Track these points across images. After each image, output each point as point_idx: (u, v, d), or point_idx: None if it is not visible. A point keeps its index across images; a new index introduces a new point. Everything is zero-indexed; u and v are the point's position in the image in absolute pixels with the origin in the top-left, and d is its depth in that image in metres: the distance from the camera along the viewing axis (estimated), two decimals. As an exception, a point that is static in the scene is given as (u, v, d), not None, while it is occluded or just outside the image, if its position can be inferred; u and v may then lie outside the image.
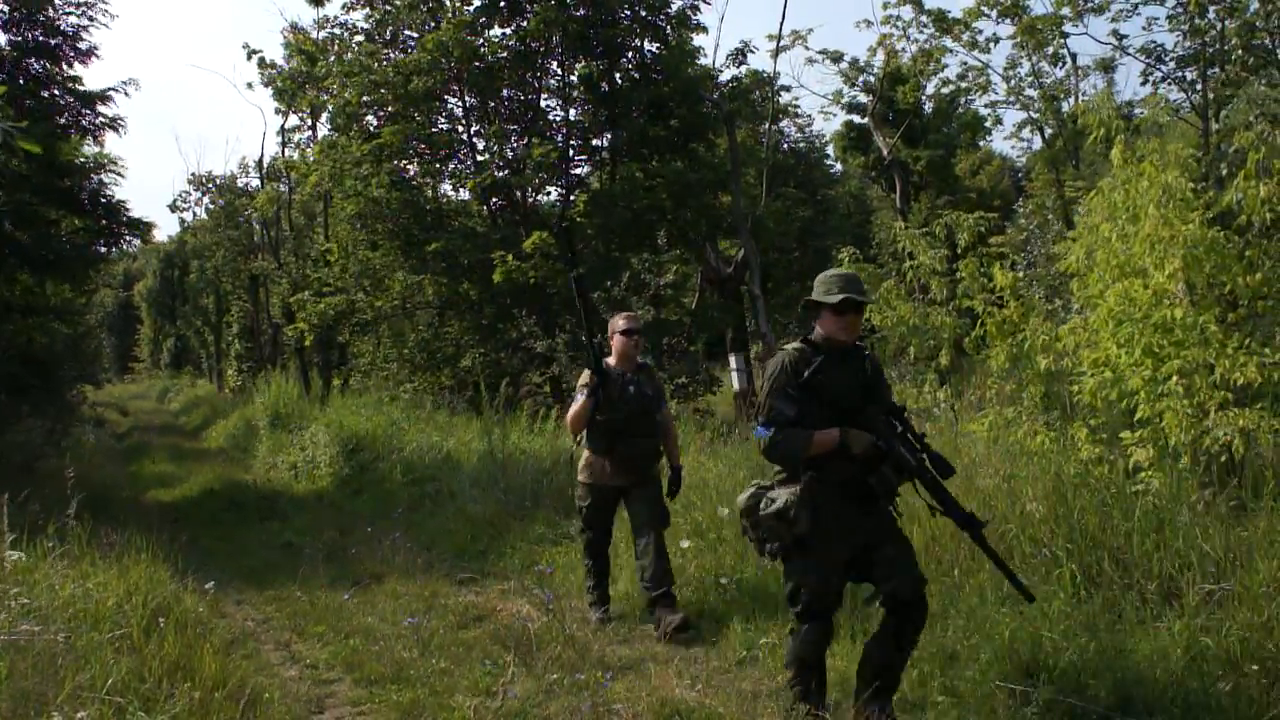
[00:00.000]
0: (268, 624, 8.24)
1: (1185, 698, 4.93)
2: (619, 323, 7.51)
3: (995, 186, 38.53)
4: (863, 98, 31.15)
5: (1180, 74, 22.54)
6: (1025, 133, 28.79)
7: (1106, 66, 25.41)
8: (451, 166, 21.68)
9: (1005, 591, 6.13)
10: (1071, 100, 25.00)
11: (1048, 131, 26.97)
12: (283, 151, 32.22)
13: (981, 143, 38.53)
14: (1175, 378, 6.83)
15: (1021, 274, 10.92)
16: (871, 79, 29.85)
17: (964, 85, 29.57)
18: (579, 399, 7.32)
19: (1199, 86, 21.06)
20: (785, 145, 34.29)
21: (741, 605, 7.15)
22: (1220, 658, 5.08)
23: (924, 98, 31.99)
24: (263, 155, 43.84)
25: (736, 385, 18.16)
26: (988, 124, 30.94)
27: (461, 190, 22.19)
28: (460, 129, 21.25)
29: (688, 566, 7.86)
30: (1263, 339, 7.08)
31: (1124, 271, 7.57)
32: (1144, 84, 25.18)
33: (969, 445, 8.21)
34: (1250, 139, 7.53)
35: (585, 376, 7.39)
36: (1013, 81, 26.70)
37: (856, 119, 33.40)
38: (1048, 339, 8.06)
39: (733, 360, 18.55)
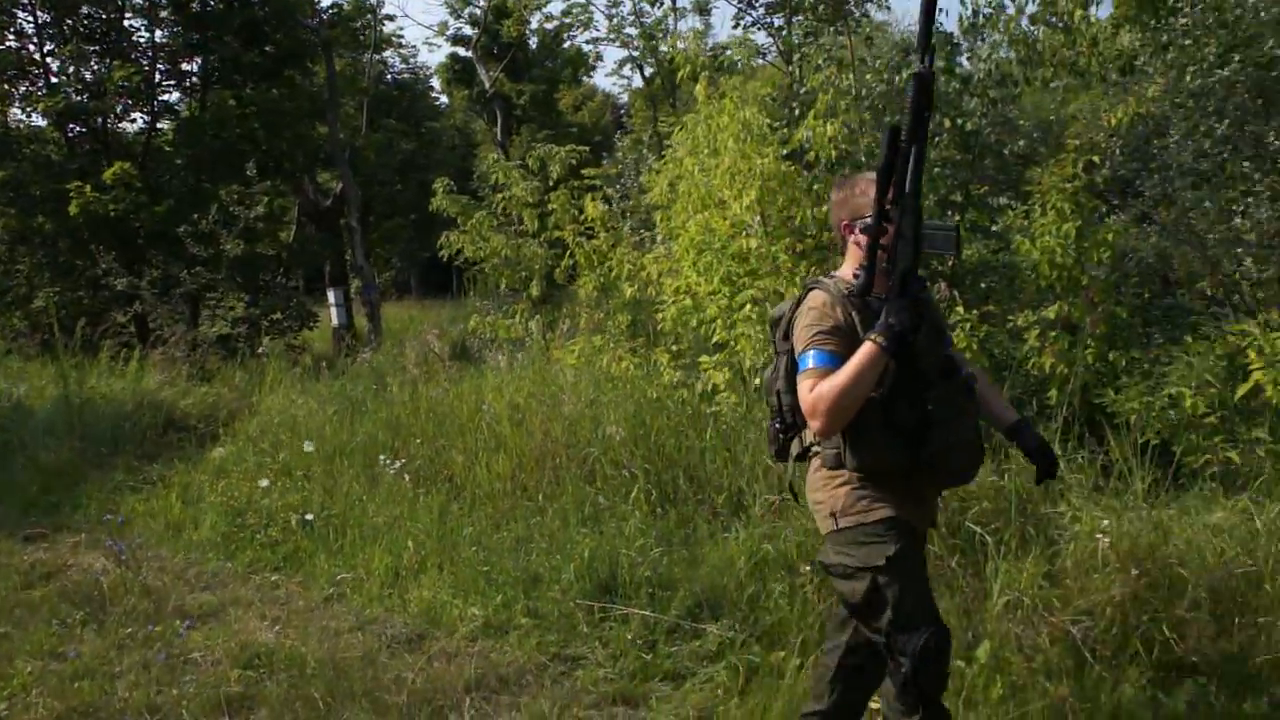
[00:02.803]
0: None
1: (749, 599, 5.25)
2: (872, 189, 3.40)
3: (598, 122, 39.34)
4: (468, 30, 31.02)
5: (769, 20, 23.80)
6: (626, 70, 29.62)
7: (702, 9, 26.49)
8: (23, 89, 19.72)
9: (586, 514, 6.33)
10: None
11: (647, 70, 27.79)
12: None
13: (585, 79, 39.31)
14: (749, 305, 7.20)
15: (615, 206, 11.20)
16: (477, 11, 29.76)
17: (567, 21, 30.03)
18: (852, 365, 3.27)
19: (784, 31, 22.36)
20: (389, 76, 33.63)
21: (327, 542, 6.99)
22: (780, 561, 5.43)
23: (529, 32, 32.20)
24: None
25: (335, 320, 17.78)
26: (590, 60, 31.58)
27: (34, 115, 20.29)
28: (32, 48, 19.35)
29: (271, 505, 7.58)
30: (824, 269, 7.56)
31: (705, 203, 7.90)
32: (735, 27, 26.50)
33: (559, 374, 8.35)
34: (819, 80, 8.00)
35: (821, 304, 3.47)
36: (615, 19, 27.34)
37: (461, 51, 33.20)
38: (633, 268, 8.30)
39: (331, 295, 18.14)
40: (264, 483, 7.86)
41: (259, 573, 6.89)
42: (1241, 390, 5.70)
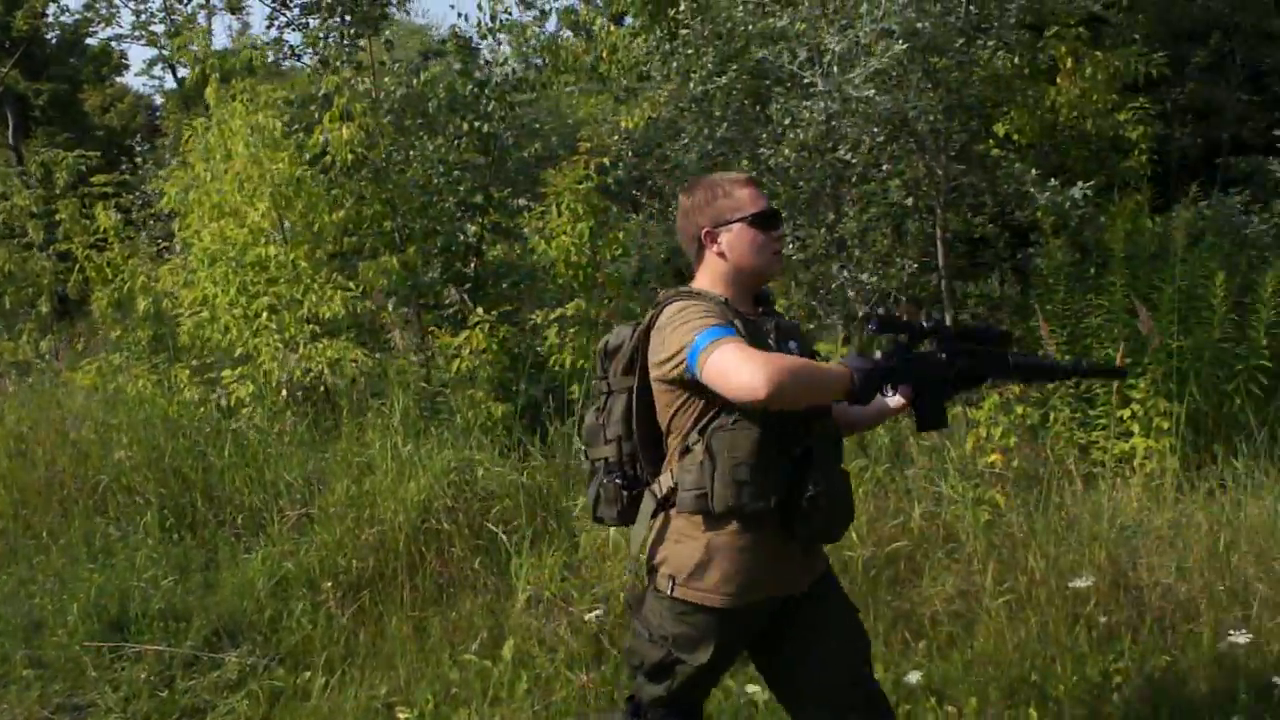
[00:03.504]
0: None
1: (270, 621, 5.08)
2: (741, 194, 2.99)
3: (128, 125, 37.00)
4: (-28, 23, 28.35)
5: (305, 21, 23.23)
6: (158, 70, 28.09)
7: (234, 8, 25.49)
8: None
9: (97, 547, 5.92)
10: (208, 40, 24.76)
11: (180, 70, 26.50)
12: None
13: (115, 78, 36.91)
14: (266, 314, 7.00)
15: (135, 214, 10.59)
16: (-19, 2, 27.26)
17: (89, 15, 28.09)
18: (817, 365, 2.78)
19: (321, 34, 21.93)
20: None
21: None
22: (301, 578, 5.29)
23: (45, 26, 29.81)
24: None
25: None
26: (117, 58, 29.67)
27: None
28: None
29: None
30: (348, 274, 7.47)
31: (222, 210, 7.60)
32: (269, 27, 25.65)
33: (69, 397, 7.77)
34: (335, 83, 7.88)
35: (698, 304, 2.84)
36: (142, 16, 25.86)
37: (-33, 45, 30.29)
38: (147, 280, 7.88)
39: None
40: None
41: None
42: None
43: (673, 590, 2.88)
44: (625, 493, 3.02)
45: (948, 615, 4.75)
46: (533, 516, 5.44)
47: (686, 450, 2.86)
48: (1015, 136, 8.88)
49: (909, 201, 8.01)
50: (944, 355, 2.96)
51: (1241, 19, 11.59)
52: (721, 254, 2.94)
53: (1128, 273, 7.41)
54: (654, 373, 2.86)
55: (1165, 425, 6.13)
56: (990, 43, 7.69)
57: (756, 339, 2.80)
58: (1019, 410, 5.84)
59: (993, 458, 5.61)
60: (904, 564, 5.12)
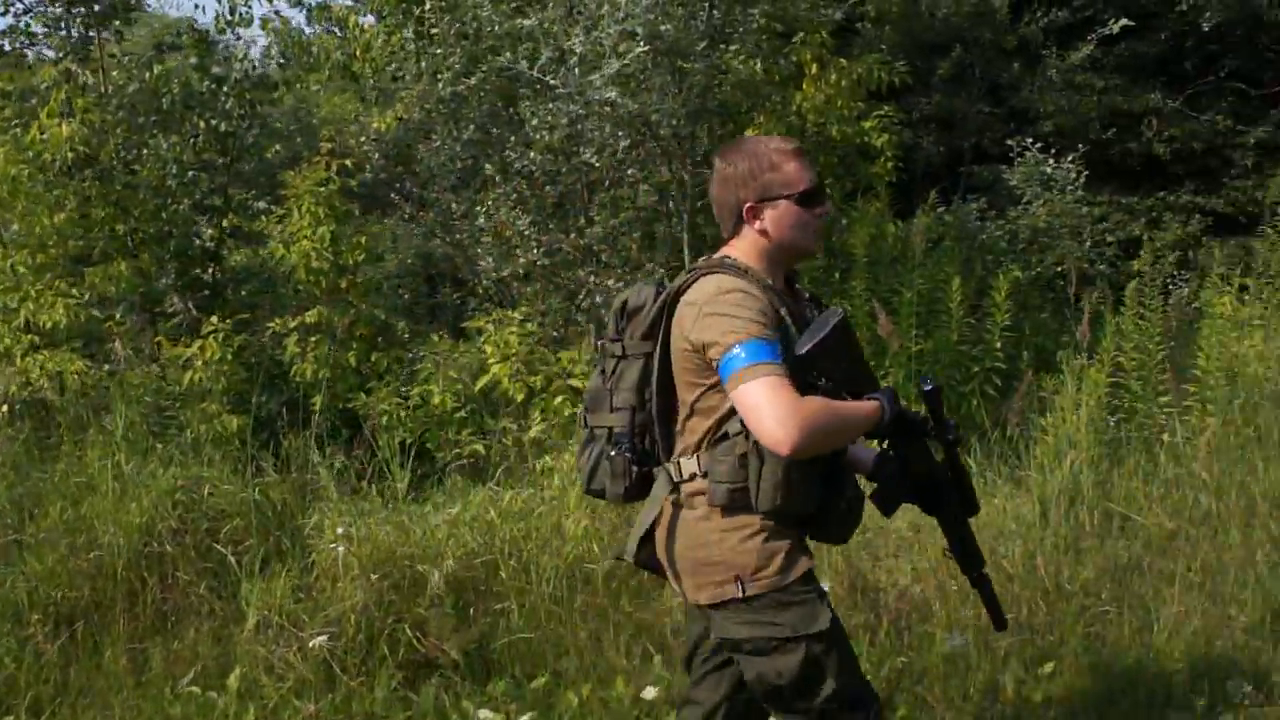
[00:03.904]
0: None
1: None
2: (789, 167, 2.75)
3: None
4: None
5: (43, 8, 21.92)
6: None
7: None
8: None
9: None
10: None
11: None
12: None
13: None
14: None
15: None
16: None
17: None
18: (850, 408, 2.68)
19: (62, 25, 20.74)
20: None
21: None
22: (6, 613, 4.89)
23: None
24: None
25: None
26: None
27: None
28: None
29: None
30: (75, 280, 7.04)
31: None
32: (4, 14, 24.06)
33: None
34: (53, 75, 7.43)
35: (746, 289, 2.68)
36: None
37: None
38: None
39: None
40: None
41: None
42: (480, 383, 5.98)
43: (744, 591, 2.63)
44: (635, 468, 2.79)
45: (688, 626, 4.75)
46: (265, 536, 5.18)
47: (723, 437, 2.65)
48: (766, 142, 8.96)
49: (660, 206, 7.99)
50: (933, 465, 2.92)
51: (980, 34, 12.09)
52: (764, 231, 2.75)
53: (869, 276, 7.57)
54: (681, 344, 2.67)
55: (905, 427, 6.28)
56: (735, 47, 7.75)
57: (798, 321, 2.69)
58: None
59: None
60: (645, 575, 5.08)
